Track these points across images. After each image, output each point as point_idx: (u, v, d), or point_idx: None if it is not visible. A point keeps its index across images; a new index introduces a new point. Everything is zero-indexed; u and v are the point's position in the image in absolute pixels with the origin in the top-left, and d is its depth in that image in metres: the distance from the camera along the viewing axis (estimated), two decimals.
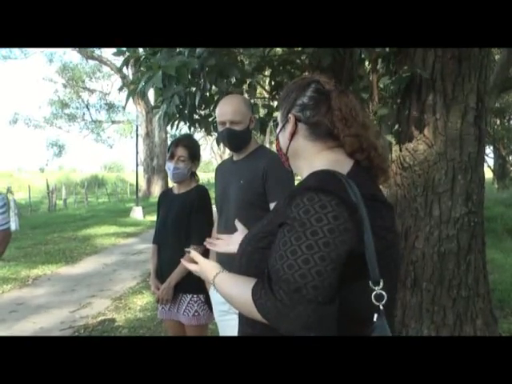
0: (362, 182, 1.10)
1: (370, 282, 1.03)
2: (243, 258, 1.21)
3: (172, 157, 2.67)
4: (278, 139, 1.32)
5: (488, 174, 18.02)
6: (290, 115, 1.24)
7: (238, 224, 1.65)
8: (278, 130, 1.31)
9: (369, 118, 1.29)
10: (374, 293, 1.03)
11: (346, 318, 1.04)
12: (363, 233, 1.02)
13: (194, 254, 1.36)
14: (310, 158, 1.22)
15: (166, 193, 2.95)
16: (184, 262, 1.42)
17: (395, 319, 1.14)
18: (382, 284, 1.02)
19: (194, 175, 2.79)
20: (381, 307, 1.02)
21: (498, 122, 17.99)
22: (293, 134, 1.24)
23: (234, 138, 2.20)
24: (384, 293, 1.02)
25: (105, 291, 5.98)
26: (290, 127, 1.24)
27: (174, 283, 2.61)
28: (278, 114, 1.33)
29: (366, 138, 1.20)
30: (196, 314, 2.61)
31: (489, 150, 20.05)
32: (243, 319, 1.25)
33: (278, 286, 1.00)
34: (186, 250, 1.39)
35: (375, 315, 1.03)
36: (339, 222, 1.00)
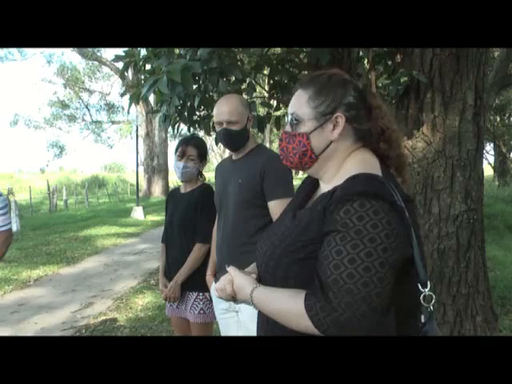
0: (396, 184, 1.10)
1: (419, 284, 1.03)
2: (279, 270, 1.13)
3: (182, 156, 2.69)
4: (306, 139, 1.17)
5: (488, 171, 18.02)
6: (338, 114, 1.15)
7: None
8: (306, 129, 1.18)
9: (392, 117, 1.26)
10: (422, 294, 1.03)
11: (401, 321, 1.04)
12: (411, 236, 1.02)
13: (231, 269, 1.24)
14: (340, 160, 1.17)
15: (174, 192, 2.98)
16: (218, 285, 1.27)
17: None
18: (429, 285, 1.03)
19: (200, 174, 2.82)
20: (431, 308, 1.03)
21: (498, 119, 17.97)
22: (338, 135, 1.16)
23: (230, 138, 2.21)
24: (433, 294, 1.03)
25: (106, 291, 5.99)
26: (336, 127, 1.15)
27: (180, 281, 2.64)
28: (301, 111, 1.19)
29: (398, 135, 1.20)
30: (202, 311, 2.64)
31: (489, 147, 20.06)
32: (270, 320, 1.17)
33: (339, 298, 0.96)
34: (226, 266, 1.27)
35: (422, 316, 1.04)
36: (392, 227, 0.99)
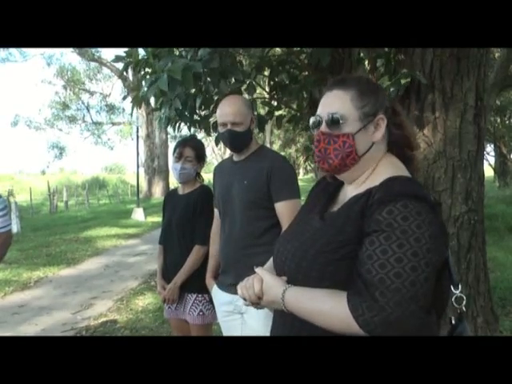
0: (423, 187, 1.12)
1: (452, 286, 1.06)
2: (313, 271, 1.11)
3: (179, 157, 2.68)
4: (352, 139, 1.16)
5: (489, 172, 18.02)
6: (381, 117, 1.17)
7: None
8: (350, 130, 1.16)
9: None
10: (454, 296, 1.06)
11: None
12: (446, 238, 1.05)
13: (259, 270, 1.22)
14: (372, 162, 1.18)
15: (172, 193, 2.97)
16: (244, 283, 1.25)
17: None
18: (460, 287, 1.06)
19: (198, 176, 2.81)
20: (463, 309, 1.06)
21: (499, 120, 17.96)
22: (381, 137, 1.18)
23: (235, 140, 2.20)
24: (464, 296, 1.05)
25: (106, 292, 5.98)
26: (378, 129, 1.17)
27: (179, 283, 2.63)
28: (344, 110, 1.17)
29: (415, 138, 1.25)
30: (201, 313, 2.63)
31: (490, 148, 20.05)
32: (297, 322, 1.15)
33: (387, 298, 0.97)
34: (255, 267, 1.25)
35: (452, 318, 1.07)
36: (434, 227, 1.01)
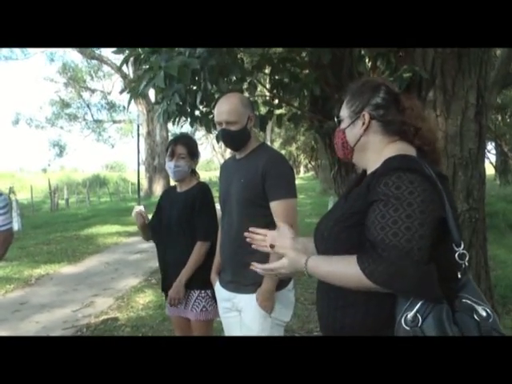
0: (428, 163, 1.26)
1: (454, 244, 1.20)
2: (330, 239, 1.34)
3: (172, 155, 2.68)
4: (343, 134, 1.44)
5: (490, 170, 17.99)
6: (364, 113, 1.37)
7: (282, 226, 1.57)
8: (343, 126, 1.43)
9: (429, 116, 1.46)
10: (457, 253, 1.20)
11: (440, 276, 1.16)
12: (444, 202, 1.20)
13: (279, 245, 1.44)
14: (378, 150, 1.36)
15: (169, 191, 2.95)
16: (267, 265, 1.47)
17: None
18: (462, 245, 1.20)
19: (194, 172, 2.80)
20: (465, 264, 1.20)
21: (500, 118, 17.93)
22: (365, 130, 1.38)
23: (230, 139, 2.20)
24: (466, 252, 1.19)
25: (107, 290, 5.99)
26: (362, 123, 1.38)
27: (184, 281, 2.61)
28: (343, 112, 1.45)
29: (432, 133, 1.40)
30: (204, 309, 2.62)
31: (491, 146, 20.02)
32: (339, 312, 1.31)
33: (388, 252, 1.14)
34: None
35: (458, 273, 1.21)
36: (427, 193, 1.17)
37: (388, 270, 1.14)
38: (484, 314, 1.14)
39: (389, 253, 1.14)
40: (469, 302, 1.16)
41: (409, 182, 1.16)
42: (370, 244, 1.19)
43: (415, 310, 1.14)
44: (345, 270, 1.23)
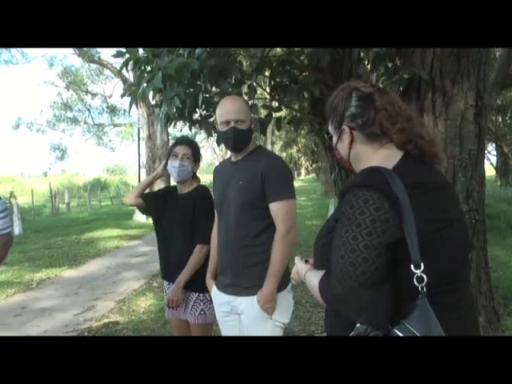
0: (409, 172, 1.21)
1: (412, 266, 1.11)
2: (317, 251, 1.35)
3: (176, 155, 2.69)
4: (336, 149, 1.42)
5: (491, 171, 17.99)
6: (343, 127, 1.34)
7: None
8: (334, 143, 1.42)
9: (412, 110, 1.40)
10: (415, 275, 1.11)
11: (393, 299, 1.13)
12: (403, 221, 1.11)
13: (296, 259, 1.50)
14: (369, 159, 1.32)
15: (170, 190, 2.92)
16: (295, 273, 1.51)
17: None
18: (422, 267, 1.10)
19: (195, 176, 2.81)
20: (421, 289, 1.10)
21: (500, 119, 17.93)
22: (351, 143, 1.34)
23: (239, 137, 2.19)
24: (424, 275, 1.10)
25: (108, 294, 5.99)
26: (346, 138, 1.35)
27: (182, 283, 2.62)
28: (329, 127, 1.43)
29: (412, 130, 1.30)
30: (202, 312, 2.63)
31: (491, 147, 20.01)
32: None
33: (333, 275, 1.15)
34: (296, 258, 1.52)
35: (413, 297, 1.11)
36: (380, 213, 1.11)
37: (333, 294, 1.16)
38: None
39: (334, 277, 1.14)
40: (401, 334, 1.05)
41: (363, 201, 1.13)
42: (329, 265, 1.19)
43: (356, 332, 1.11)
44: (315, 285, 1.27)
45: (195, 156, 2.74)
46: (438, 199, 1.21)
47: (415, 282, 1.10)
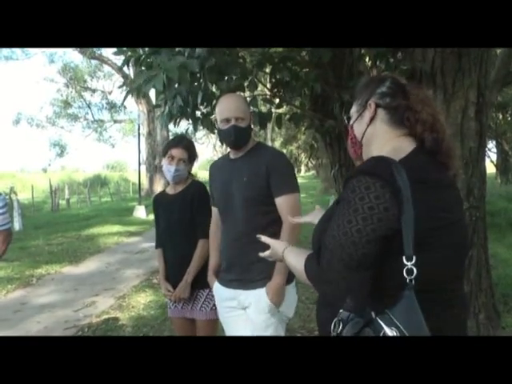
0: (414, 167, 1.20)
1: (404, 257, 1.11)
2: (315, 237, 1.33)
3: (172, 158, 2.67)
4: (352, 129, 1.41)
5: (491, 168, 17.97)
6: (370, 102, 1.34)
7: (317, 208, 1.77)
8: (352, 121, 1.41)
9: (440, 111, 1.40)
10: (405, 267, 1.11)
11: (380, 288, 1.15)
12: (402, 212, 1.12)
13: (264, 238, 1.56)
14: (381, 146, 1.32)
15: (162, 195, 2.92)
16: (262, 254, 1.58)
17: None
18: (414, 260, 1.11)
19: (189, 173, 2.81)
20: (409, 281, 1.10)
21: (501, 116, 17.91)
22: (371, 119, 1.34)
23: (240, 135, 2.19)
24: (414, 268, 1.10)
25: (108, 290, 6.00)
26: (369, 113, 1.34)
27: (190, 280, 2.61)
28: (352, 109, 1.42)
29: (435, 125, 1.30)
30: (214, 307, 2.59)
31: (491, 144, 20.00)
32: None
33: (323, 253, 1.17)
34: (258, 236, 1.58)
35: (406, 287, 1.11)
36: (380, 201, 1.12)
37: (316, 272, 1.20)
38: (390, 334, 1.05)
39: (323, 257, 1.17)
40: (382, 323, 1.06)
41: (364, 188, 1.13)
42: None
43: (339, 317, 1.16)
44: (300, 263, 1.30)
45: (191, 158, 2.74)
46: (439, 198, 1.20)
47: (405, 274, 1.11)
